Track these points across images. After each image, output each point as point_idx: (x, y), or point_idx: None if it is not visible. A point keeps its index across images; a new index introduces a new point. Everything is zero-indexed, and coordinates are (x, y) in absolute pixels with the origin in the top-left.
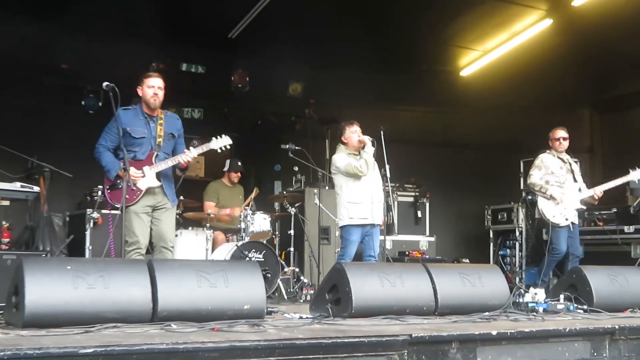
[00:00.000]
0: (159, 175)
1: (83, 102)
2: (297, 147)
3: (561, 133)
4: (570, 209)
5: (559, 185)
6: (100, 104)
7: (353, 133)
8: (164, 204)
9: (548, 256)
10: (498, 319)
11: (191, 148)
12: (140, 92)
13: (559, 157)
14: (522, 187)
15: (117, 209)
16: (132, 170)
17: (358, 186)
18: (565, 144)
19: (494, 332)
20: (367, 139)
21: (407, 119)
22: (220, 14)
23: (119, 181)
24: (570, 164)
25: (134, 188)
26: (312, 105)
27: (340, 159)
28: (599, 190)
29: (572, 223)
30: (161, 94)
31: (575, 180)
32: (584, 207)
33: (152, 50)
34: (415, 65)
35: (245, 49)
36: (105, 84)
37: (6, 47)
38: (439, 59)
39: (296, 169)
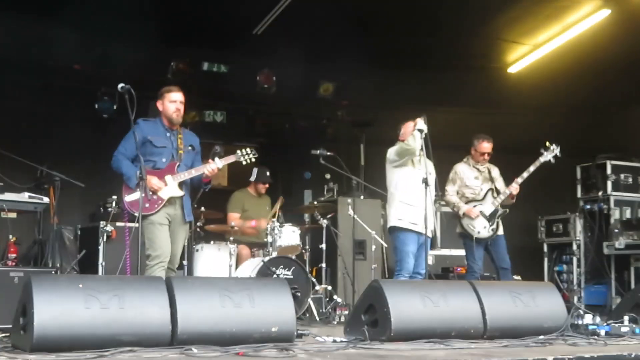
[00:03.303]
0: (181, 185)
1: (97, 106)
2: (328, 153)
3: (486, 148)
4: (491, 220)
5: (474, 197)
6: (115, 107)
7: (409, 127)
8: (178, 220)
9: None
10: (554, 343)
11: (216, 159)
12: (160, 107)
13: (474, 167)
14: (579, 195)
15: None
16: (155, 180)
17: (413, 186)
18: (487, 158)
19: (550, 358)
20: (419, 119)
21: (449, 121)
22: (244, 8)
23: (139, 189)
24: (489, 171)
25: (155, 197)
26: (344, 107)
27: (393, 147)
28: (514, 188)
29: (497, 235)
30: (182, 108)
31: (495, 188)
32: (503, 210)
33: (171, 49)
34: (458, 62)
35: (272, 46)
36: (120, 85)
37: (12, 46)
38: (485, 54)
39: (328, 176)
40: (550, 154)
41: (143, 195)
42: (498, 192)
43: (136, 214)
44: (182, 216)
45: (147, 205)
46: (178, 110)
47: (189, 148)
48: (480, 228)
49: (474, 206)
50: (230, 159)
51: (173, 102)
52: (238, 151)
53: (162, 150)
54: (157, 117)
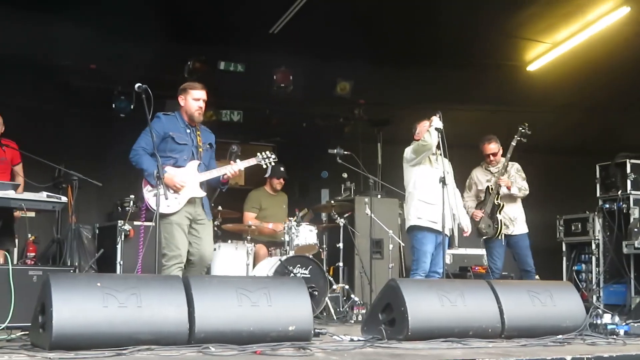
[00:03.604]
0: (202, 185)
1: (114, 105)
2: (345, 152)
3: (491, 149)
4: (492, 218)
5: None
6: (132, 106)
7: (424, 126)
8: (202, 218)
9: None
10: (573, 343)
11: (238, 161)
12: (182, 102)
13: (487, 169)
14: (598, 194)
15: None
16: (178, 178)
17: (431, 185)
18: (497, 158)
19: (568, 358)
20: (434, 117)
21: (467, 120)
22: (260, 7)
23: (160, 186)
24: (504, 172)
25: (176, 196)
26: (361, 106)
27: (410, 146)
28: (502, 181)
29: (512, 235)
30: (204, 107)
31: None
32: (513, 214)
33: (187, 48)
34: (476, 60)
35: (288, 45)
36: (137, 85)
37: (31, 47)
38: (503, 52)
39: (345, 175)
40: (519, 134)
41: (162, 194)
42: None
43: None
44: (204, 214)
45: (168, 205)
46: (200, 109)
47: (207, 146)
48: (486, 228)
49: (480, 208)
50: (252, 161)
51: (196, 100)
52: (258, 154)
53: (183, 147)
54: (175, 111)
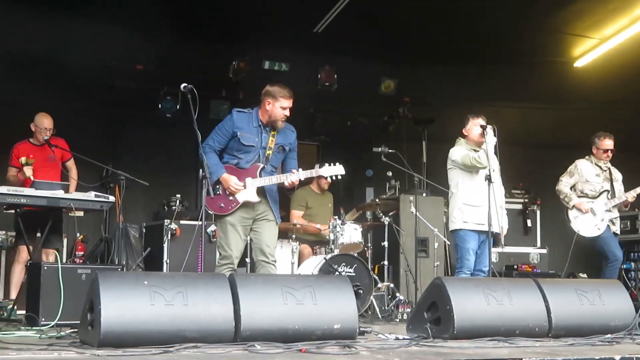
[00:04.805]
0: (259, 190)
1: (160, 105)
2: (390, 150)
3: (609, 144)
4: (604, 219)
5: (594, 195)
6: (177, 107)
7: (476, 125)
8: (266, 216)
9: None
10: (622, 342)
11: (300, 169)
12: (268, 106)
13: (597, 165)
14: None
15: (212, 216)
16: (234, 181)
17: (476, 186)
18: (610, 155)
19: (617, 357)
20: (489, 127)
21: (514, 117)
22: (304, 6)
23: (218, 186)
24: (609, 171)
25: (231, 198)
26: (406, 104)
27: (458, 151)
28: (630, 195)
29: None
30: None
31: (612, 189)
32: (615, 215)
33: (232, 48)
34: (522, 57)
35: (333, 44)
36: (183, 85)
37: (79, 49)
38: (549, 48)
39: (390, 174)
40: None
41: (212, 194)
42: (613, 195)
43: (211, 212)
44: (269, 213)
45: (222, 205)
46: (284, 117)
47: (279, 148)
48: (584, 226)
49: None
50: (314, 172)
51: (284, 108)
52: (326, 164)
53: (249, 149)
54: (254, 108)
